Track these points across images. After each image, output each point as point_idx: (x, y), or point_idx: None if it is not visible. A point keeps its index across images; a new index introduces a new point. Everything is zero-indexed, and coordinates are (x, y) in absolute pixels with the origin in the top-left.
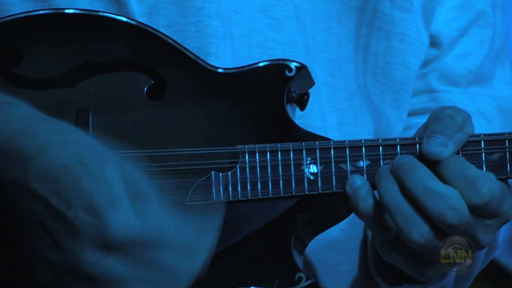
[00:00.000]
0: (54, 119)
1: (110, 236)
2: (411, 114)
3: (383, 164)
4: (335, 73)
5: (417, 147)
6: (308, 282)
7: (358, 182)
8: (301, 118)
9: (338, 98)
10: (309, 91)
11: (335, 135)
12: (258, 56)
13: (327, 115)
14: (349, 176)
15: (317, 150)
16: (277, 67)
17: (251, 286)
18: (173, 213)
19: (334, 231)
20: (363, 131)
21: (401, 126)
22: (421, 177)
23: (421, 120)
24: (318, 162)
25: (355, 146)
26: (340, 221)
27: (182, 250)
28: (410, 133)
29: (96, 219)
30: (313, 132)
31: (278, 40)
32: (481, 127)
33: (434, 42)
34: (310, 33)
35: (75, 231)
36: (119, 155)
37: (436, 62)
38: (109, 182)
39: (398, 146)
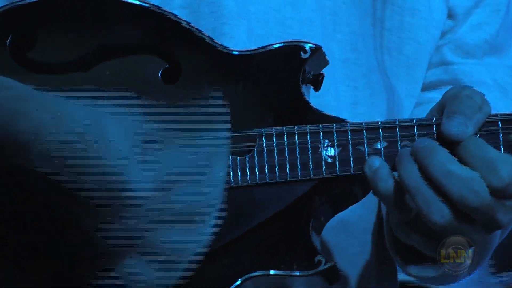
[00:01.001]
0: (42, 93)
1: (132, 196)
2: (424, 87)
3: (401, 146)
4: (358, 47)
5: (434, 128)
6: (328, 265)
7: (377, 163)
8: (317, 98)
9: (355, 75)
10: (325, 70)
11: (346, 116)
12: (276, 34)
13: (341, 93)
14: (366, 158)
15: (334, 133)
16: (292, 49)
17: (270, 270)
18: (182, 151)
19: (344, 213)
20: (377, 111)
21: (412, 102)
22: (442, 160)
23: (434, 95)
24: (335, 144)
25: (372, 128)
26: (356, 202)
27: (200, 182)
28: (422, 109)
29: (114, 184)
30: (328, 112)
31: (296, 18)
32: (496, 99)
33: (449, 14)
34: (330, 8)
35: (96, 202)
36: (115, 110)
37: (451, 34)
38: (113, 144)
39: (415, 127)
